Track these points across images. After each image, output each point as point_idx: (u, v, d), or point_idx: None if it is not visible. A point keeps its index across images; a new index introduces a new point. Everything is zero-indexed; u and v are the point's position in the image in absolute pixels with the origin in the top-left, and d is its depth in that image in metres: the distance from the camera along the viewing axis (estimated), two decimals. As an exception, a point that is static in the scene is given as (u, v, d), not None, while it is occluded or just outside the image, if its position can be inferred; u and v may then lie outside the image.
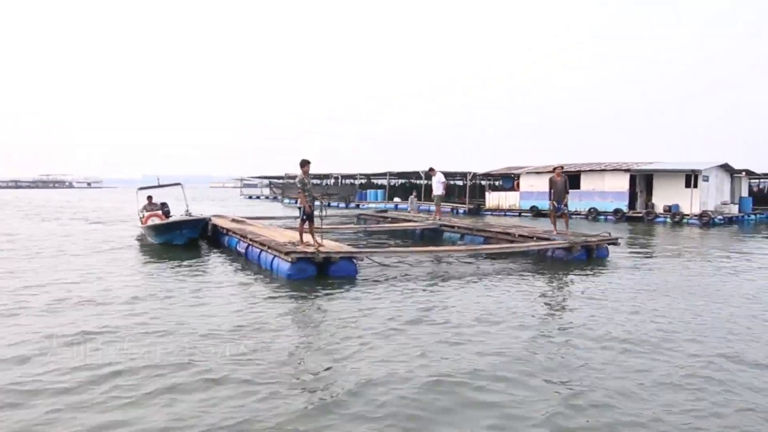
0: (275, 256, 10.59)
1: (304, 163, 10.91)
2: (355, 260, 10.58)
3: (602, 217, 28.36)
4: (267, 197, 61.14)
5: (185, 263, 12.00)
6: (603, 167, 29.76)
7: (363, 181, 49.25)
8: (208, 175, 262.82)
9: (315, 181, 55.14)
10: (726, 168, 29.30)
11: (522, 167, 35.01)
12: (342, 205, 42.27)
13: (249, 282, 10.00)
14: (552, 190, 13.56)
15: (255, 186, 77.89)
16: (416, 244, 16.10)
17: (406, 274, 10.79)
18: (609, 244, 13.18)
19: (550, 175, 14.23)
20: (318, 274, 10.04)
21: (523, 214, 31.60)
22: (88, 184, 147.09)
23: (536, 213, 30.67)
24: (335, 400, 4.60)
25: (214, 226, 15.81)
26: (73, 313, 7.42)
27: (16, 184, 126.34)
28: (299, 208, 11.06)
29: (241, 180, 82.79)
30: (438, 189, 17.92)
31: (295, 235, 11.71)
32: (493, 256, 12.90)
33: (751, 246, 17.20)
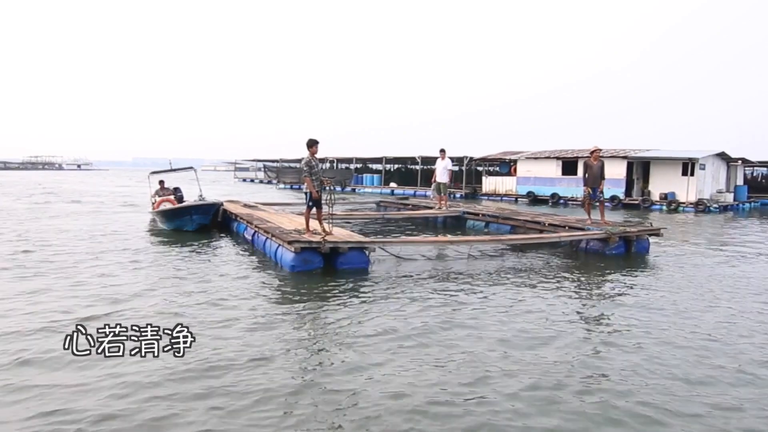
0: (279, 245, 9.75)
1: (312, 143, 9.83)
2: (366, 251, 9.61)
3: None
4: (261, 181, 60.84)
5: (185, 251, 11.27)
6: (601, 154, 29.80)
7: (359, 165, 49.12)
8: (200, 158, 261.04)
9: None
10: (722, 156, 29.47)
11: (519, 152, 35.02)
12: (338, 188, 42.52)
13: (248, 273, 9.23)
14: (587, 175, 12.46)
15: (247, 169, 77.49)
16: (438, 233, 15.20)
17: (423, 268, 9.80)
18: (650, 235, 11.90)
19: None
20: (325, 265, 9.19)
21: (519, 199, 31.72)
22: (78, 166, 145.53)
23: (533, 198, 30.84)
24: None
25: (225, 211, 15.31)
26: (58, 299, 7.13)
27: (5, 165, 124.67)
28: (306, 194, 10.00)
29: (234, 163, 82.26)
30: (443, 176, 16.26)
31: (312, 224, 10.55)
32: (519, 248, 11.75)
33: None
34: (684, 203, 26.26)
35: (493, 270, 9.83)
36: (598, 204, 12.71)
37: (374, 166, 48.21)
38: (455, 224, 16.01)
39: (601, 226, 11.87)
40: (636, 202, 27.57)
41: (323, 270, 9.10)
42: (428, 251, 11.37)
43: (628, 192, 28.51)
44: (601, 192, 12.55)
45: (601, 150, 12.78)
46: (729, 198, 28.88)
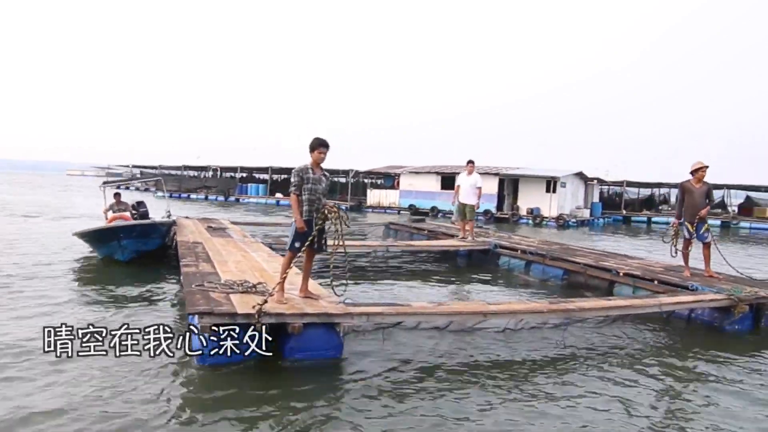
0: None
1: (317, 145, 5.74)
2: (337, 328, 5.43)
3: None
4: (137, 188, 57.38)
5: (70, 304, 7.14)
6: (484, 170, 31.89)
7: (244, 174, 48.14)
8: (66, 162, 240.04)
9: (192, 173, 51.83)
10: (581, 176, 32.75)
11: (402, 167, 36.42)
12: (221, 198, 41.74)
13: (116, 370, 4.73)
14: (685, 203, 8.19)
15: (120, 175, 72.83)
16: (461, 272, 11.26)
17: (434, 354, 5.70)
18: None
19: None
20: (267, 350, 4.82)
21: (402, 212, 32.94)
22: None
23: (414, 211, 32.17)
24: None
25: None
26: None
27: None
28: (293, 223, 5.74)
29: (106, 168, 76.92)
30: (470, 196, 12.03)
31: (275, 266, 6.89)
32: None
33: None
34: (547, 218, 28.82)
35: (545, 352, 6.00)
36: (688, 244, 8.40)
37: (260, 176, 47.58)
38: (483, 260, 11.86)
39: (711, 283, 7.75)
40: (506, 216, 29.77)
41: (258, 363, 4.89)
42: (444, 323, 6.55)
43: (500, 207, 30.73)
44: (707, 230, 8.19)
45: (705, 167, 8.13)
46: (586, 214, 32.12)
